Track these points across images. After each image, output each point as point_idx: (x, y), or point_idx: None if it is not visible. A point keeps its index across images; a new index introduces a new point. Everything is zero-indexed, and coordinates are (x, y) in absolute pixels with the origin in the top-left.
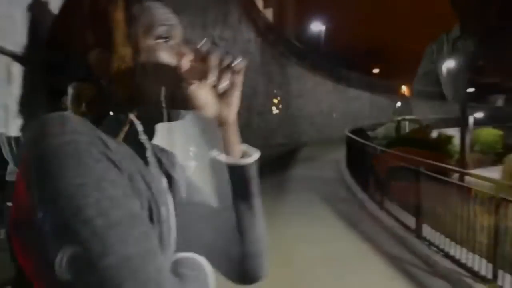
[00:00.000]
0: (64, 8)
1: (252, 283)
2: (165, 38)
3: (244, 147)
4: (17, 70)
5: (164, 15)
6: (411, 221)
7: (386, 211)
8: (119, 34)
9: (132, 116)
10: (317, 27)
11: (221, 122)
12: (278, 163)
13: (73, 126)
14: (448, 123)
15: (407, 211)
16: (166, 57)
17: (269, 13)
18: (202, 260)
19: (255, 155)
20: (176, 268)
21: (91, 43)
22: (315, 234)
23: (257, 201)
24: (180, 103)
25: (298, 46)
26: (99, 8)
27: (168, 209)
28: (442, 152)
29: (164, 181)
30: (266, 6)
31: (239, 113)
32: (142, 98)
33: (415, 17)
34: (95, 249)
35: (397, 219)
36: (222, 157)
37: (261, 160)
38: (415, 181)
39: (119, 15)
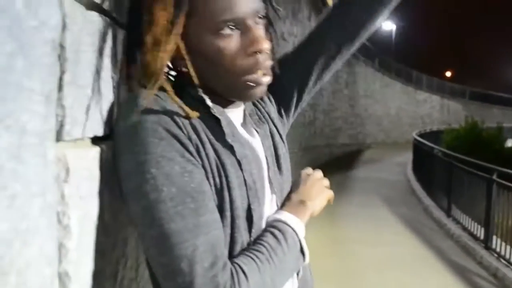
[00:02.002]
0: None
1: None
2: (231, 27)
3: None
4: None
5: (231, 3)
6: (479, 231)
7: (453, 218)
8: (161, 32)
9: (201, 92)
10: (387, 26)
11: None
12: (341, 162)
13: (143, 106)
14: None
15: (476, 220)
16: (229, 50)
17: None
18: (293, 223)
19: None
20: (267, 228)
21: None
22: (376, 236)
23: None
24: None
25: (367, 45)
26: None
27: (257, 173)
28: None
29: (254, 147)
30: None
31: (304, 111)
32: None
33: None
34: (145, 221)
35: (464, 228)
36: None
37: (324, 159)
38: (487, 189)
39: (161, 12)
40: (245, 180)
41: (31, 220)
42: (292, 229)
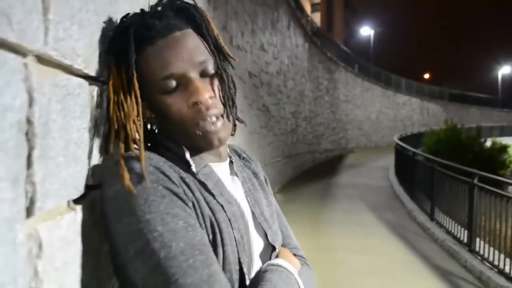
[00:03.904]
0: None
1: None
2: (175, 83)
3: None
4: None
5: (167, 61)
6: (463, 234)
7: (437, 222)
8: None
9: (186, 154)
10: (366, 31)
11: None
12: (324, 169)
13: (140, 166)
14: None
15: (459, 223)
16: (175, 105)
17: (316, 18)
18: (287, 265)
19: None
20: (264, 272)
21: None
22: (361, 243)
23: None
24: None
25: (346, 51)
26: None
27: (243, 228)
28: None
29: (239, 202)
30: (313, 10)
31: (286, 119)
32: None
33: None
34: (160, 279)
35: (448, 232)
36: None
37: (307, 166)
38: (468, 192)
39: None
40: (234, 236)
41: None
42: (285, 267)
